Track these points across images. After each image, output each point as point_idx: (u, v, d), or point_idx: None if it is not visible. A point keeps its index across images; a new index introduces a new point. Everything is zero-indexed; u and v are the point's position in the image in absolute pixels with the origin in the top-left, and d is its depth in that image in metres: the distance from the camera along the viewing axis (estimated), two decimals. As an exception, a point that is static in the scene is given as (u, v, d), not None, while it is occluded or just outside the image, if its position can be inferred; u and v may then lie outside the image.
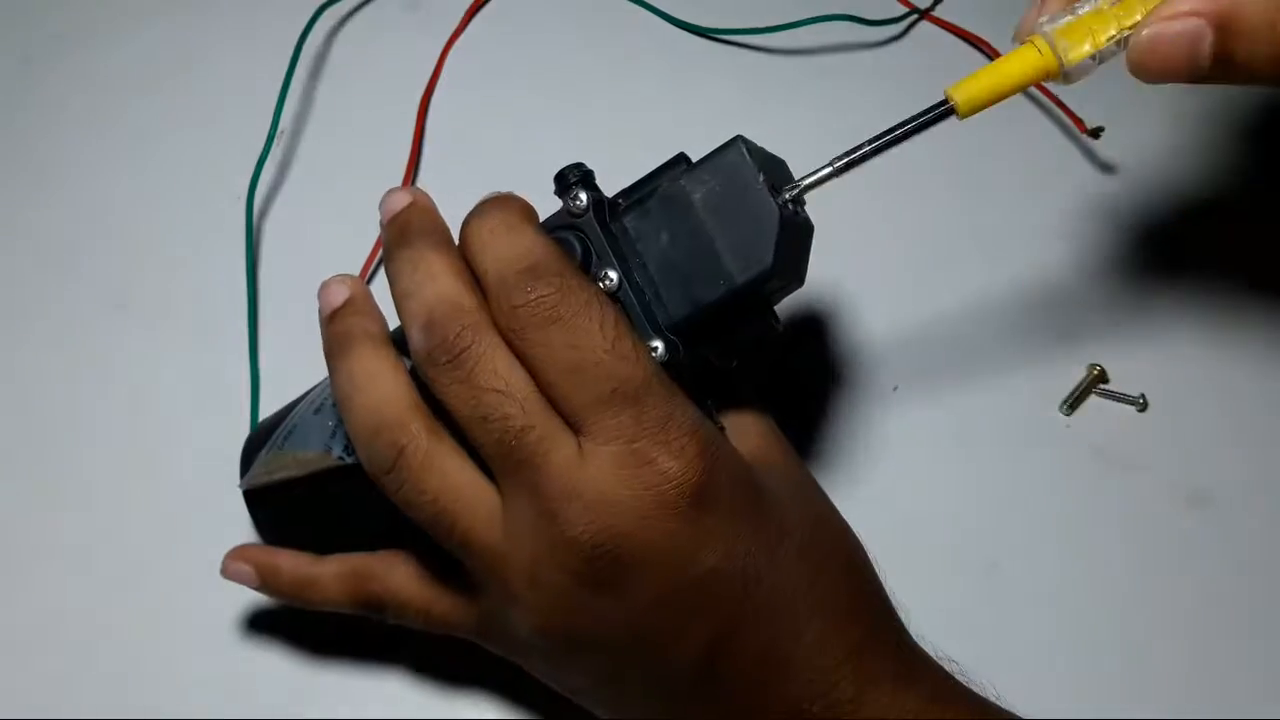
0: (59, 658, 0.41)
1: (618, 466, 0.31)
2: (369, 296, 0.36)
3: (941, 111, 0.33)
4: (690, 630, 0.32)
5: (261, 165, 0.47)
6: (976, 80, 0.33)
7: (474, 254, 0.33)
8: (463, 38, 0.52)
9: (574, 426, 0.31)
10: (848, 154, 0.34)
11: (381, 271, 0.47)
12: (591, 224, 0.34)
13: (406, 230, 0.34)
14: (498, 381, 0.31)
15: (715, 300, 0.33)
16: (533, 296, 0.31)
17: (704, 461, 0.31)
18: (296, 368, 0.41)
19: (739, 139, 0.33)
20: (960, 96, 0.33)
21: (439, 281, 0.32)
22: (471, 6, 0.53)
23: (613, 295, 0.33)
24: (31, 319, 0.47)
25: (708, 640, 0.32)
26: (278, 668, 0.41)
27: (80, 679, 0.41)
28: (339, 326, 0.35)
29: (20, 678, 0.41)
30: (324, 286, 0.36)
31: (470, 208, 0.35)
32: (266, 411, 0.41)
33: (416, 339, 0.32)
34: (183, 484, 0.44)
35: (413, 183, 0.49)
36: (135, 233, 0.49)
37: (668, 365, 0.32)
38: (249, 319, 0.45)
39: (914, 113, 0.34)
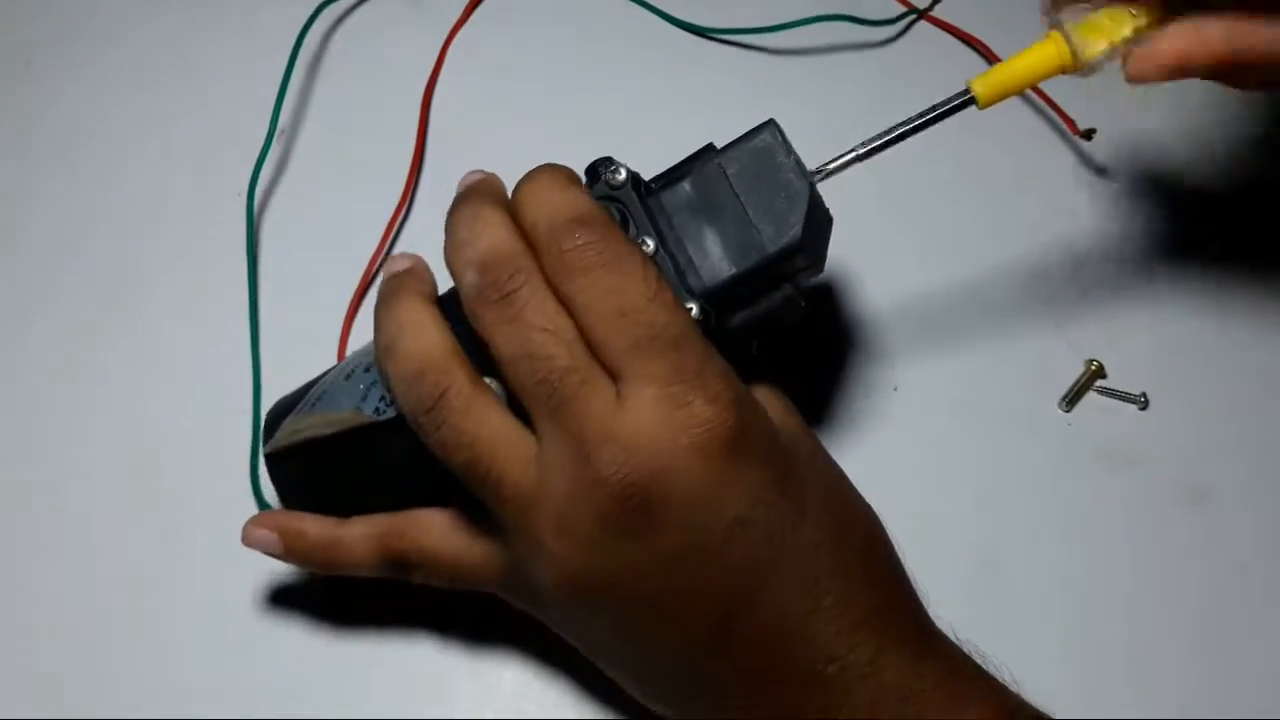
0: (62, 658, 0.41)
1: (654, 410, 0.31)
2: (428, 270, 0.38)
3: (963, 101, 0.35)
4: (713, 581, 0.32)
5: (261, 162, 0.47)
6: (997, 72, 0.35)
7: (525, 208, 0.34)
8: (461, 36, 0.53)
9: (613, 374, 0.32)
10: (870, 140, 0.36)
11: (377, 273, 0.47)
12: (630, 195, 0.35)
13: (470, 190, 0.36)
14: (546, 322, 0.32)
15: (747, 269, 0.34)
16: (580, 242, 0.32)
17: (737, 410, 0.32)
18: (297, 363, 0.41)
19: (772, 122, 0.35)
20: (981, 87, 0.35)
21: (495, 232, 0.34)
22: (470, 4, 0.53)
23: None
24: (31, 317, 0.47)
25: (730, 593, 0.32)
26: (284, 662, 0.41)
27: (84, 679, 0.41)
28: (392, 284, 0.36)
29: (22, 677, 0.41)
30: (390, 258, 0.38)
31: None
32: (267, 405, 0.41)
33: (469, 279, 0.33)
34: (184, 481, 0.44)
35: (416, 177, 0.49)
36: (135, 230, 0.49)
37: (699, 327, 0.33)
38: (250, 314, 0.45)
39: (934, 103, 0.36)
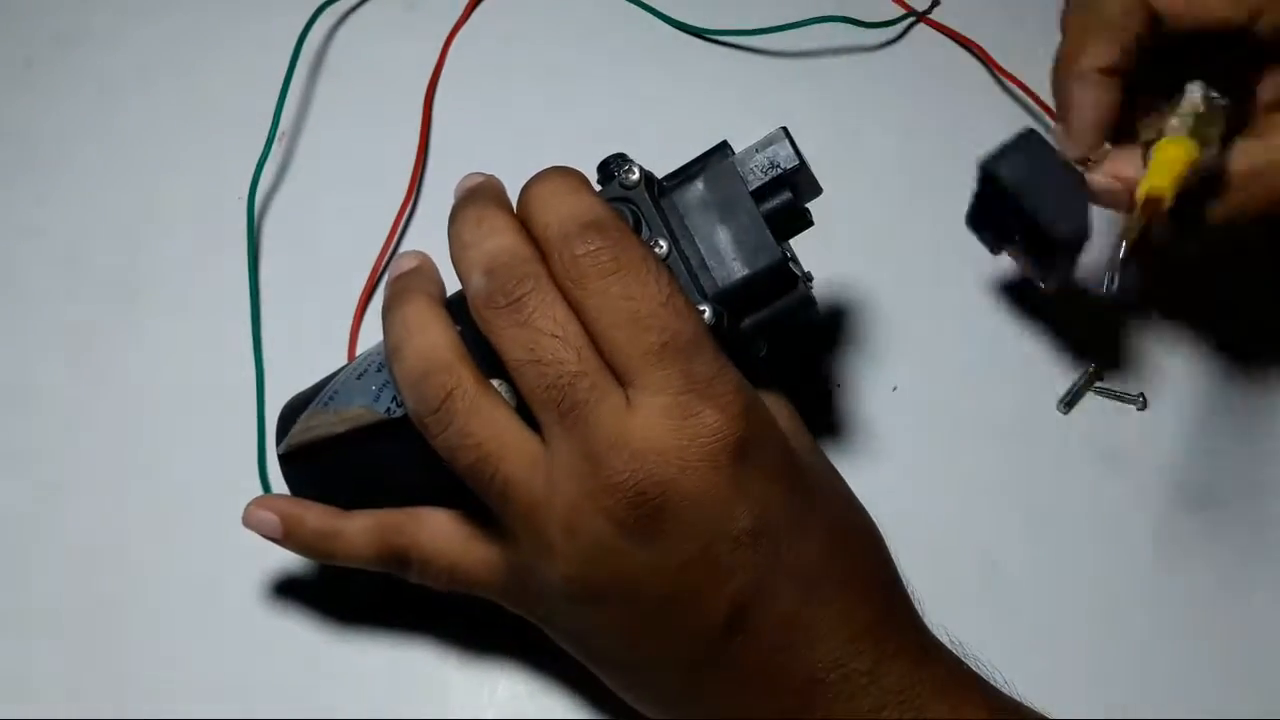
0: (62, 656, 0.41)
1: (664, 417, 0.31)
2: (435, 269, 0.38)
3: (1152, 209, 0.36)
4: (720, 587, 0.32)
5: (262, 164, 0.47)
6: (1166, 171, 0.36)
7: (535, 211, 0.34)
8: (461, 36, 0.53)
9: (623, 379, 0.32)
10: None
11: (384, 273, 0.47)
12: (643, 195, 0.35)
13: (473, 192, 0.36)
14: (555, 327, 0.32)
15: (760, 271, 0.34)
16: (593, 247, 0.32)
17: (747, 419, 0.32)
18: (299, 365, 0.41)
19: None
20: (1162, 184, 0.36)
21: (502, 235, 0.33)
22: (470, 4, 0.53)
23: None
24: (34, 319, 0.47)
25: (736, 599, 0.32)
26: (281, 663, 0.41)
27: (82, 680, 0.41)
28: (400, 284, 0.36)
29: (22, 677, 0.41)
30: (398, 257, 0.38)
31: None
32: (270, 408, 0.41)
33: (477, 283, 0.33)
34: (186, 482, 0.44)
35: (419, 177, 0.49)
36: (136, 232, 0.49)
37: (712, 331, 0.33)
38: (252, 317, 0.45)
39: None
